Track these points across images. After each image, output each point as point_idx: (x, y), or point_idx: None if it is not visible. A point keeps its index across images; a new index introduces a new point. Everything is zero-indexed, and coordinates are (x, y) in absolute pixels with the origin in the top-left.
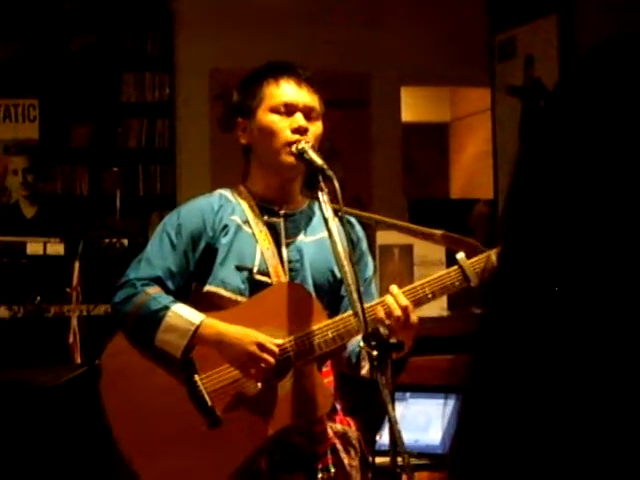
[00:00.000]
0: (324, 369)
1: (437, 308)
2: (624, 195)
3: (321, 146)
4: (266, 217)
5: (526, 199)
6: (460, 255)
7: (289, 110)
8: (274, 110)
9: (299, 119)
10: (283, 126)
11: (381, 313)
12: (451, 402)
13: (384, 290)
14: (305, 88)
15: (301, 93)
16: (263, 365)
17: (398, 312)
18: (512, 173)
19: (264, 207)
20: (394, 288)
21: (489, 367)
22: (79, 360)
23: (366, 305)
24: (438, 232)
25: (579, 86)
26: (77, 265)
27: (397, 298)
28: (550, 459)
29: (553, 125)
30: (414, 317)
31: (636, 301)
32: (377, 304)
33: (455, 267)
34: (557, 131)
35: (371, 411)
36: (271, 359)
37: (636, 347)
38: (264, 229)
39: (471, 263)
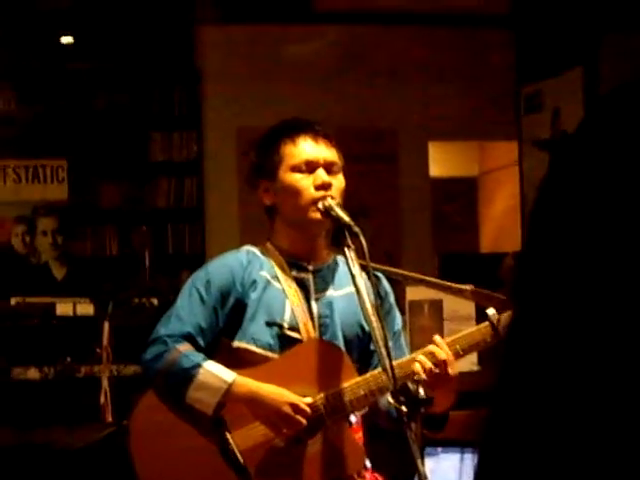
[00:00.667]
0: (354, 424)
1: (468, 363)
2: None
3: (349, 202)
4: (295, 273)
5: (545, 247)
6: (491, 311)
7: (310, 167)
8: (295, 169)
9: (322, 175)
10: (307, 184)
11: (417, 367)
12: (469, 457)
13: (414, 345)
14: (323, 143)
15: (320, 149)
16: (295, 426)
17: (435, 364)
18: (530, 217)
19: (292, 263)
20: (437, 339)
21: (507, 421)
22: (111, 420)
23: (402, 359)
24: (468, 288)
25: (602, 124)
26: (107, 325)
27: (436, 352)
28: None
29: (575, 165)
30: (452, 370)
31: None
32: (413, 357)
33: (486, 323)
34: (579, 171)
35: (401, 466)
36: (303, 420)
37: None
38: (293, 285)
39: (502, 319)
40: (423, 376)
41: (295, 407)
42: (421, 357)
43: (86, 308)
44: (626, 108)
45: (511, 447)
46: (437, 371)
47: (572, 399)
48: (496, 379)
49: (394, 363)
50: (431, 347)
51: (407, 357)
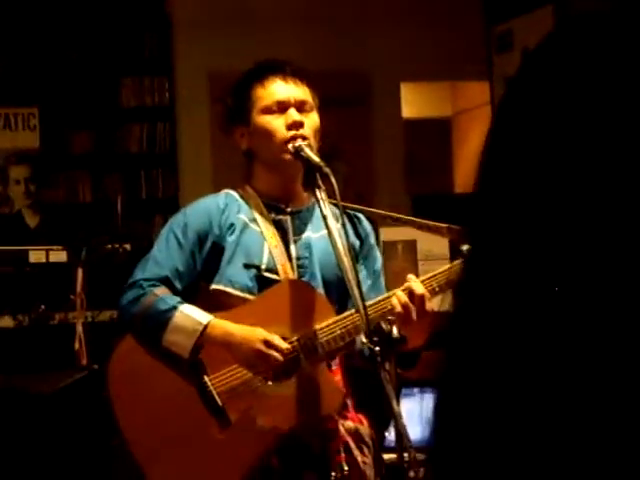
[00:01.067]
0: (333, 367)
1: (444, 303)
2: (601, 172)
3: (323, 144)
4: (273, 215)
5: (496, 180)
6: (466, 247)
7: (281, 108)
8: (267, 111)
9: (293, 114)
10: (278, 124)
11: (394, 301)
12: (429, 396)
13: (389, 286)
14: (292, 82)
15: (289, 88)
16: (271, 362)
17: (411, 300)
18: (481, 156)
19: (271, 205)
20: (412, 277)
21: (463, 361)
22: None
23: (380, 297)
24: (443, 225)
25: (570, 35)
26: (80, 272)
27: (412, 287)
28: (526, 451)
29: (525, 99)
30: (428, 306)
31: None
32: (391, 295)
33: (461, 260)
34: (530, 104)
35: (380, 407)
36: (279, 356)
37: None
38: (271, 227)
39: None
40: (399, 309)
41: (269, 344)
42: (398, 292)
43: (59, 255)
44: (593, 24)
45: (466, 384)
46: (413, 306)
47: (522, 335)
48: (451, 316)
49: (372, 301)
50: (407, 284)
51: (384, 294)
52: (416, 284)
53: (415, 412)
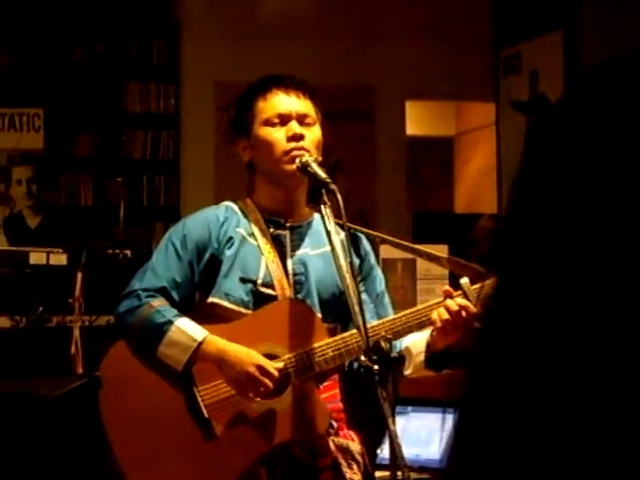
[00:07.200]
0: (327, 382)
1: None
2: (628, 210)
3: (326, 159)
4: (272, 229)
5: (526, 215)
6: (464, 280)
7: (283, 120)
8: (268, 123)
9: (294, 127)
10: (279, 137)
11: (435, 317)
12: (451, 416)
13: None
14: (294, 95)
15: (291, 101)
16: (262, 388)
17: (456, 312)
18: (511, 188)
19: (270, 220)
20: (449, 289)
21: (486, 381)
22: (81, 371)
23: (418, 306)
24: (444, 256)
25: (583, 100)
26: (80, 275)
27: (467, 290)
28: (548, 472)
29: (556, 139)
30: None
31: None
32: (432, 306)
33: (459, 292)
34: (561, 144)
35: (373, 425)
36: (269, 383)
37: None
38: (269, 241)
39: (475, 289)
40: (439, 325)
41: (262, 369)
42: (441, 310)
43: (59, 258)
44: (609, 84)
45: (490, 415)
46: (452, 320)
47: (551, 368)
48: (476, 345)
49: (412, 310)
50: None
51: (428, 303)
52: (457, 299)
53: (408, 430)
